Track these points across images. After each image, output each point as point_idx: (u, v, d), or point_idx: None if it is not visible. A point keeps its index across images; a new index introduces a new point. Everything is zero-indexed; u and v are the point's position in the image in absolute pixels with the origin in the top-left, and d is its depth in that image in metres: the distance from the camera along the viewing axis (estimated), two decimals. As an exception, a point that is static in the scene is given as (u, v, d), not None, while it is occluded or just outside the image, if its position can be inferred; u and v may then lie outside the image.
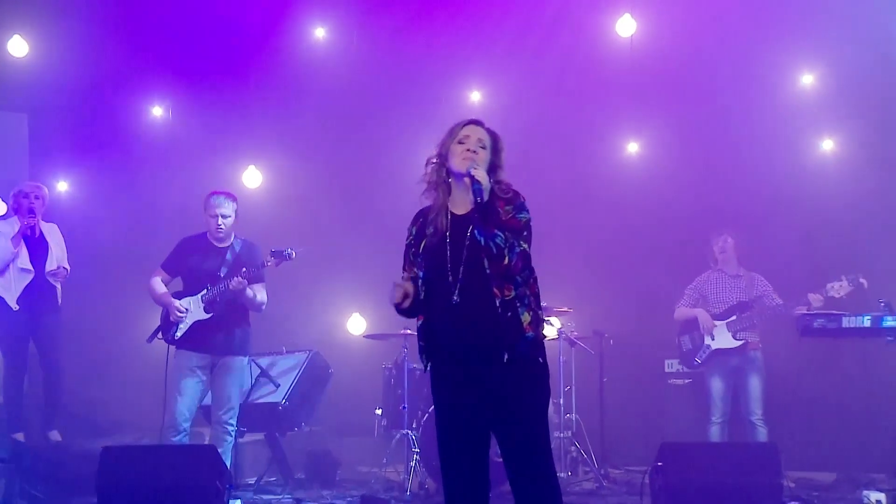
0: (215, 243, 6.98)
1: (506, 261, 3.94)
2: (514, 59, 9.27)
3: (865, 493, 6.93)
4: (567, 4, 9.18)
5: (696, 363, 7.97)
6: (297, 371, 7.72)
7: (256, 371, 7.50)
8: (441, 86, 9.46)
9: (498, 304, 3.96)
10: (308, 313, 9.10)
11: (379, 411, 7.78)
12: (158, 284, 6.99)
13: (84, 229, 8.81)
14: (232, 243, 7.02)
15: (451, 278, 4.01)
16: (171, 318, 6.88)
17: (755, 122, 8.85)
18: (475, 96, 9.66)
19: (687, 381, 8.48)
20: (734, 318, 7.77)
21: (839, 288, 7.31)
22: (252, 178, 9.42)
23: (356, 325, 9.42)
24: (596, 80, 9.15)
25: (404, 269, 4.18)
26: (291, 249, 6.77)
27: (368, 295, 9.20)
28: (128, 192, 9.25)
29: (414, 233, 4.19)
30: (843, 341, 7.64)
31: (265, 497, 7.10)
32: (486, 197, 3.94)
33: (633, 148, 9.41)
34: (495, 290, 3.96)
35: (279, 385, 7.55)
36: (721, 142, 8.89)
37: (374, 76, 9.37)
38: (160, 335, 6.96)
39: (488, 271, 3.98)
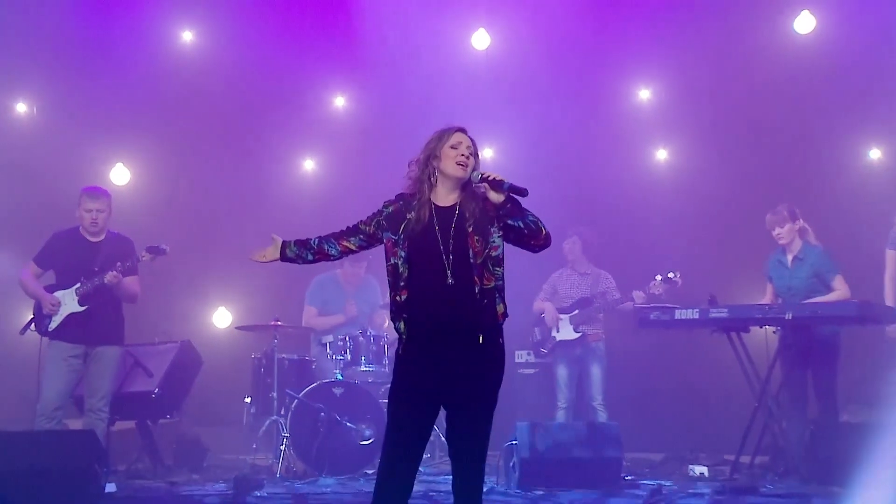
0: (89, 238, 7.06)
1: (543, 232, 4.42)
2: (377, 67, 9.51)
3: (691, 467, 7.57)
4: (428, 19, 9.49)
5: (542, 352, 8.50)
6: (169, 361, 7.79)
7: (130, 361, 7.57)
8: (306, 90, 9.73)
9: (477, 292, 4.33)
10: (179, 306, 9.17)
11: (248, 399, 7.93)
12: (30, 278, 7.03)
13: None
14: (105, 238, 7.11)
15: (444, 261, 4.34)
16: (45, 311, 6.93)
17: (600, 132, 9.41)
18: (339, 101, 9.96)
19: (535, 370, 8.93)
20: (577, 312, 8.29)
21: (655, 286, 7.94)
22: (120, 174, 9.43)
23: (222, 318, 9.58)
24: (453, 88, 9.46)
25: (363, 221, 4.57)
26: (166, 245, 6.95)
27: (235, 289, 9.40)
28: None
29: (390, 211, 4.51)
30: (675, 332, 8.28)
31: (138, 482, 7.15)
32: (508, 186, 4.36)
33: (487, 153, 9.78)
34: (476, 279, 4.33)
35: (152, 374, 7.60)
36: (569, 149, 9.37)
37: (241, 79, 9.51)
38: (33, 327, 7.00)
39: (472, 261, 4.36)
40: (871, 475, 5.66)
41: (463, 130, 4.53)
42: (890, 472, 5.62)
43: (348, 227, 4.60)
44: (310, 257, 4.64)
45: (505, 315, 4.43)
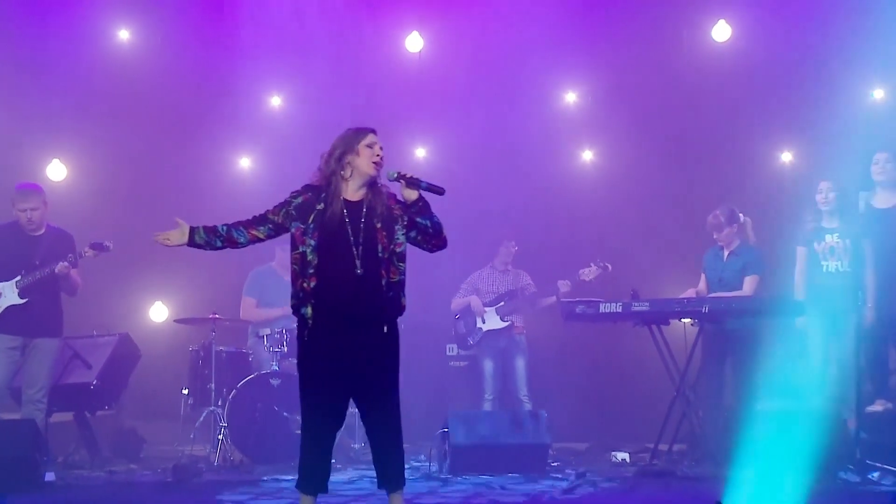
0: (29, 232, 7.12)
1: (443, 235, 4.71)
2: (312, 68, 9.64)
3: (613, 453, 7.87)
4: (360, 20, 9.65)
5: (469, 344, 8.69)
6: (107, 353, 7.84)
7: (68, 353, 7.61)
8: (243, 89, 9.76)
9: (384, 284, 4.58)
10: (117, 300, 9.19)
11: (186, 391, 8.01)
12: None
13: None
14: (45, 232, 7.18)
15: (354, 252, 4.58)
16: (-17, 303, 6.97)
17: (529, 133, 9.64)
18: (275, 101, 10.06)
19: (464, 363, 9.12)
20: (502, 303, 8.53)
21: (588, 273, 8.21)
22: (56, 171, 9.39)
23: (158, 312, 9.64)
24: (387, 89, 9.65)
25: (270, 210, 4.73)
26: (109, 242, 7.06)
27: (172, 283, 9.46)
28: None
29: (300, 202, 4.69)
30: (599, 326, 8.56)
31: (76, 472, 7.21)
32: (425, 185, 4.65)
33: (420, 153, 10.00)
34: (383, 272, 4.58)
35: (91, 366, 7.65)
36: (498, 150, 9.59)
37: (178, 78, 9.48)
38: (-29, 319, 7.02)
39: (380, 255, 4.60)
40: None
41: (374, 132, 4.76)
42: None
43: (256, 217, 4.76)
44: (218, 244, 4.77)
45: (404, 308, 4.70)
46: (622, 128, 9.50)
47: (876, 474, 6.45)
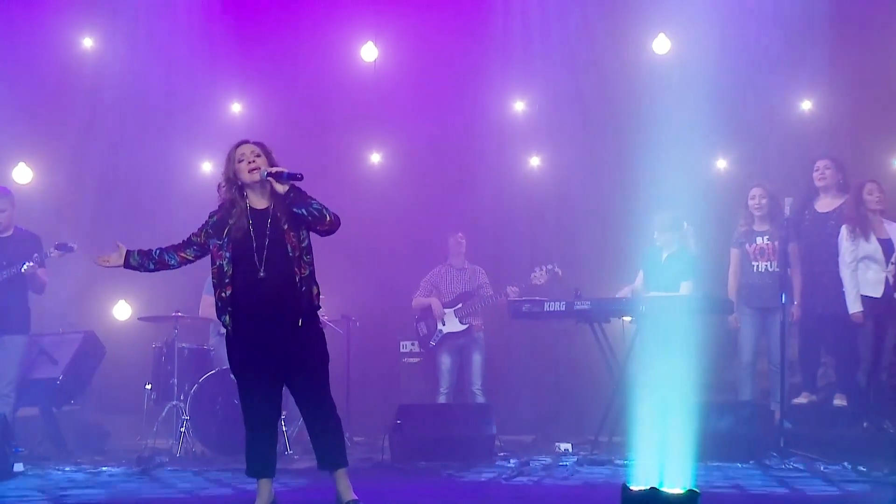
0: (-3, 233, 7.34)
1: (328, 219, 4.85)
2: (270, 76, 9.95)
3: (557, 444, 8.16)
4: (317, 32, 9.90)
5: (431, 345, 8.85)
6: (73, 350, 8.04)
7: (35, 349, 7.79)
8: (204, 96, 10.01)
9: (297, 281, 4.86)
10: (82, 299, 9.35)
11: (149, 386, 8.16)
12: None
13: None
14: (12, 233, 7.41)
15: (256, 258, 4.85)
16: (-47, 302, 7.17)
17: (480, 140, 9.93)
18: (235, 107, 10.29)
19: (418, 359, 9.31)
20: (460, 305, 8.74)
21: (539, 276, 8.51)
22: (22, 174, 9.53)
23: (122, 310, 9.82)
24: (342, 97, 9.92)
25: (194, 233, 5.07)
26: (73, 243, 7.27)
27: (135, 283, 9.60)
28: None
29: (215, 220, 5.02)
30: (546, 324, 8.87)
31: (43, 463, 7.36)
32: (288, 175, 4.80)
33: (375, 158, 10.26)
34: (295, 270, 4.85)
35: (57, 362, 7.85)
36: (451, 156, 9.90)
37: (141, 85, 9.71)
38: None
39: (290, 254, 4.85)
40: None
41: (244, 142, 5.03)
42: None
43: (184, 241, 5.11)
44: (151, 266, 5.19)
45: (319, 295, 4.98)
46: (567, 135, 9.81)
47: (795, 460, 6.81)
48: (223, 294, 4.93)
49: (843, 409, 7.67)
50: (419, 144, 9.96)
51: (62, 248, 7.24)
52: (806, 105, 9.63)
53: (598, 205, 9.51)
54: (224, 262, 4.93)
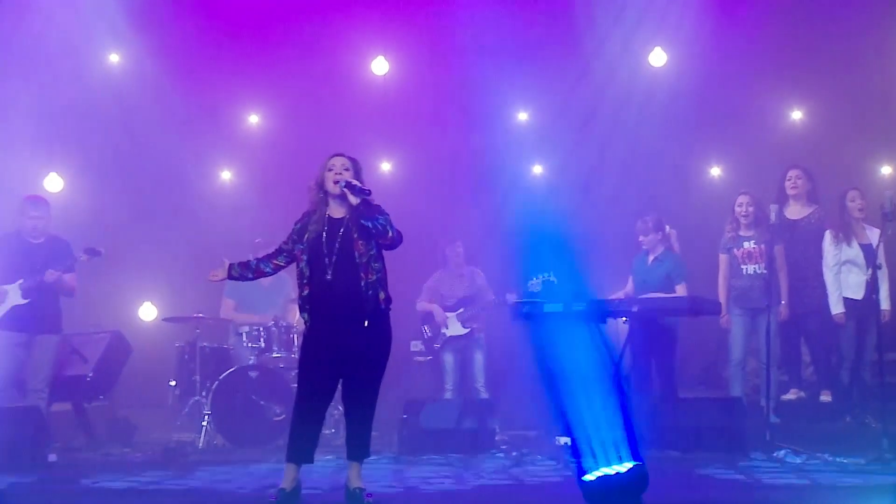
0: (31, 240, 7.71)
1: (390, 234, 5.27)
2: (286, 86, 10.24)
3: (558, 438, 8.46)
4: (330, 48, 10.19)
5: (435, 348, 9.15)
6: (102, 348, 8.38)
7: (67, 348, 8.14)
8: (223, 107, 10.39)
9: (363, 285, 5.24)
10: (111, 301, 9.75)
11: (173, 383, 8.51)
12: None
13: None
14: (45, 239, 7.76)
15: (326, 262, 5.25)
16: (-10, 303, 7.53)
17: (483, 149, 10.10)
18: (253, 118, 10.66)
19: (428, 358, 9.56)
20: (462, 310, 9.03)
21: (534, 284, 8.76)
22: (53, 183, 9.90)
23: (147, 312, 10.20)
24: (355, 108, 10.19)
25: (283, 242, 5.50)
26: (102, 248, 7.66)
27: (160, 286, 10.01)
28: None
29: (298, 227, 5.45)
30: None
31: (75, 454, 7.75)
32: (360, 190, 5.19)
33: (386, 167, 10.59)
34: (362, 274, 5.23)
35: (87, 360, 8.20)
36: (459, 164, 10.14)
37: (164, 97, 9.93)
38: (-19, 316, 7.54)
39: (357, 260, 5.23)
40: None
41: (339, 154, 5.44)
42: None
43: (275, 250, 5.55)
44: (250, 276, 5.63)
45: (388, 300, 5.36)
46: (568, 144, 10.05)
47: (782, 453, 7.08)
48: (303, 293, 5.35)
49: (828, 404, 7.97)
50: (428, 153, 10.25)
51: (90, 252, 7.62)
52: (796, 114, 9.91)
53: (596, 211, 9.64)
54: (303, 265, 5.35)
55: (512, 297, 8.70)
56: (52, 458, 7.21)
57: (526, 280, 8.79)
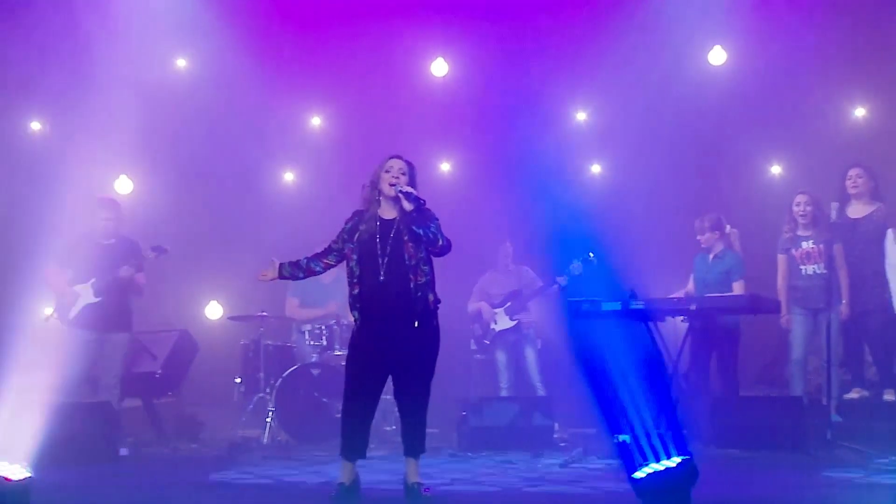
0: (102, 241, 7.95)
1: (440, 242, 5.35)
2: (347, 89, 10.41)
3: (617, 436, 8.48)
4: (391, 50, 10.33)
5: (485, 344, 9.23)
6: (170, 346, 8.60)
7: (137, 345, 8.38)
8: (286, 110, 10.54)
9: (413, 286, 5.33)
10: (178, 300, 10.00)
11: (238, 380, 8.70)
12: (54, 274, 7.87)
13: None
14: (115, 241, 8.00)
15: (379, 262, 5.34)
16: (66, 302, 7.79)
17: (542, 149, 10.14)
18: (315, 121, 10.83)
19: (486, 355, 9.75)
20: (509, 304, 9.09)
21: (576, 267, 8.79)
22: (123, 185, 10.19)
23: (213, 310, 10.44)
24: (415, 110, 10.23)
25: (333, 241, 5.57)
26: (167, 246, 7.88)
27: (225, 285, 10.22)
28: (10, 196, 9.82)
29: (349, 227, 5.53)
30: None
31: (145, 449, 7.97)
32: (415, 198, 5.26)
33: (445, 167, 10.72)
34: (411, 276, 5.32)
35: (156, 357, 8.43)
36: (516, 164, 10.20)
37: (229, 100, 10.15)
38: (55, 315, 7.82)
39: (407, 262, 5.32)
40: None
41: (397, 157, 5.51)
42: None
43: (325, 249, 5.61)
44: (300, 275, 5.72)
45: (436, 302, 5.43)
46: (627, 143, 10.07)
47: (843, 451, 7.04)
48: (353, 292, 5.44)
49: (891, 403, 7.87)
50: (486, 154, 10.26)
51: (157, 250, 7.83)
52: (860, 111, 9.78)
53: (655, 210, 9.69)
54: (353, 264, 5.43)
55: (563, 280, 8.72)
56: (124, 452, 7.44)
57: (567, 264, 8.88)
